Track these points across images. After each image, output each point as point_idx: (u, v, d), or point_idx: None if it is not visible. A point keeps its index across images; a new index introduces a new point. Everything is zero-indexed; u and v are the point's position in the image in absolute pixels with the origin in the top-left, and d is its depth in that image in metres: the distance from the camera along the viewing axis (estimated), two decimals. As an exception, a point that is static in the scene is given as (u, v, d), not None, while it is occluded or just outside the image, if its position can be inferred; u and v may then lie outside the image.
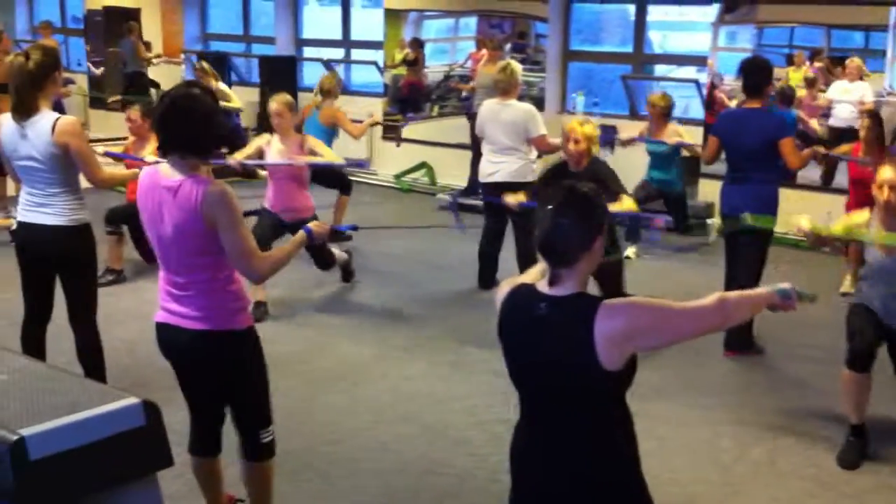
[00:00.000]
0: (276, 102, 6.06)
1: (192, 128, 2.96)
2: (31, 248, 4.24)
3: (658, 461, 2.41)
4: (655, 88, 9.12)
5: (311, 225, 3.39)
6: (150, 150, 6.47)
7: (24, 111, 4.03)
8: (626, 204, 5.09)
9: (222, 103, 8.61)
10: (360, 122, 8.13)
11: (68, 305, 4.30)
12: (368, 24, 11.73)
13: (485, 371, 5.08)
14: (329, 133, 7.66)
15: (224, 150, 5.96)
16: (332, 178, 7.60)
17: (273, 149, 6.06)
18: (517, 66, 6.49)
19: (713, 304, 2.27)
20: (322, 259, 6.22)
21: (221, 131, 3.08)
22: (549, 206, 2.24)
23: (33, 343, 4.40)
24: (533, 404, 2.36)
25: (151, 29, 12.44)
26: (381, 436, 4.44)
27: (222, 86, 9.43)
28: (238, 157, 6.13)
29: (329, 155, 6.20)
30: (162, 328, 3.15)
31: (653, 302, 2.24)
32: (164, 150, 3.01)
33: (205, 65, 9.45)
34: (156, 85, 11.89)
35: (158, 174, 3.03)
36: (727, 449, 4.37)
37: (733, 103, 8.09)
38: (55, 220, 4.11)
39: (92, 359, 4.36)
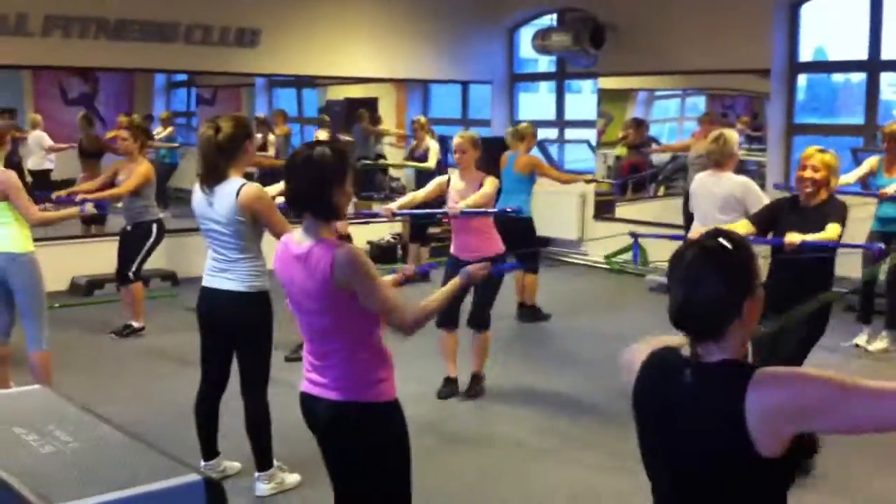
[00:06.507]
0: (460, 137, 5.84)
1: (312, 188, 2.87)
2: (209, 314, 4.32)
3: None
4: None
5: (469, 267, 3.24)
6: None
7: (211, 181, 4.14)
8: (829, 233, 4.39)
9: (416, 164, 9.21)
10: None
11: (241, 375, 4.31)
12: (585, 104, 11.62)
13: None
14: (526, 182, 7.46)
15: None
16: (522, 245, 7.08)
17: (453, 188, 5.81)
18: (732, 136, 5.78)
19: None
20: (475, 312, 5.84)
21: (336, 196, 2.89)
22: (680, 269, 1.90)
23: (206, 413, 4.45)
24: (667, 498, 1.98)
25: (387, 117, 12.98)
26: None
27: (433, 144, 9.78)
28: (393, 206, 5.90)
29: (488, 193, 5.64)
30: (304, 398, 3.05)
31: (824, 376, 1.79)
32: (293, 209, 2.97)
33: (422, 119, 10.08)
34: (382, 156, 12.33)
35: (291, 242, 2.96)
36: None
37: None
38: (234, 285, 4.17)
39: (260, 431, 4.35)
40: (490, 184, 5.73)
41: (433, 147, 9.78)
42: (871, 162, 6.87)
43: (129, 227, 7.14)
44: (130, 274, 7.13)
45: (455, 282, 3.16)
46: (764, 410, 1.77)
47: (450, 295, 3.12)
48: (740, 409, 1.78)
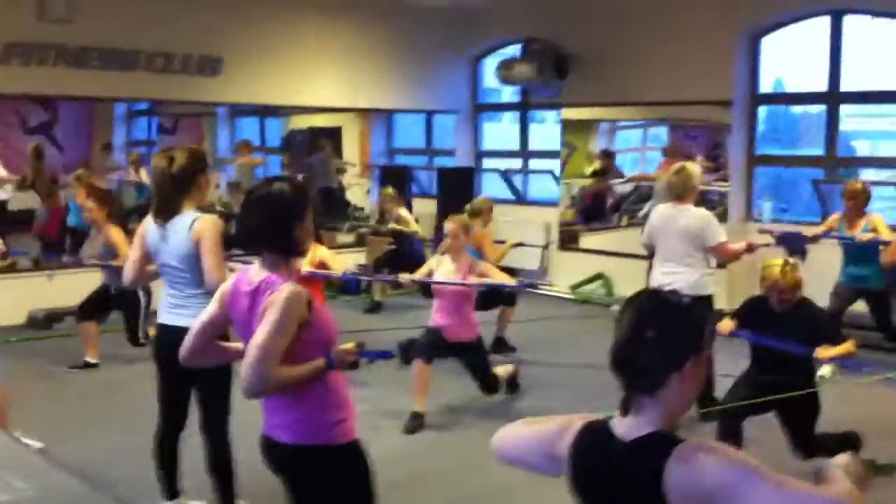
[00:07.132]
0: (453, 222, 6.01)
1: (271, 225, 2.80)
2: (166, 351, 4.18)
3: None
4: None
5: (334, 350, 2.84)
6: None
7: (165, 214, 4.03)
8: (844, 348, 4.46)
9: (399, 227, 9.07)
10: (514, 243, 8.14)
11: (201, 412, 4.19)
12: (548, 134, 11.64)
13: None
14: (476, 256, 7.48)
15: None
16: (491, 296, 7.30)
17: (443, 269, 5.97)
18: (693, 169, 5.92)
19: (839, 496, 1.66)
20: (486, 383, 6.05)
21: (296, 231, 2.82)
22: (630, 312, 1.83)
23: (166, 452, 4.32)
24: None
25: (351, 146, 12.84)
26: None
27: (404, 212, 9.62)
28: (409, 276, 6.14)
29: (501, 277, 6.06)
30: (263, 440, 2.96)
31: (738, 458, 1.69)
32: (251, 247, 2.89)
33: (390, 190, 9.78)
34: (346, 203, 12.11)
35: (242, 279, 2.87)
36: None
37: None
38: (191, 322, 4.03)
39: (222, 469, 4.22)
40: (496, 270, 6.09)
41: (406, 215, 9.67)
42: (831, 220, 7.02)
43: (114, 291, 6.97)
44: (141, 340, 7.05)
45: (318, 364, 2.81)
46: (682, 490, 1.70)
47: (310, 375, 2.78)
48: (658, 490, 1.72)
